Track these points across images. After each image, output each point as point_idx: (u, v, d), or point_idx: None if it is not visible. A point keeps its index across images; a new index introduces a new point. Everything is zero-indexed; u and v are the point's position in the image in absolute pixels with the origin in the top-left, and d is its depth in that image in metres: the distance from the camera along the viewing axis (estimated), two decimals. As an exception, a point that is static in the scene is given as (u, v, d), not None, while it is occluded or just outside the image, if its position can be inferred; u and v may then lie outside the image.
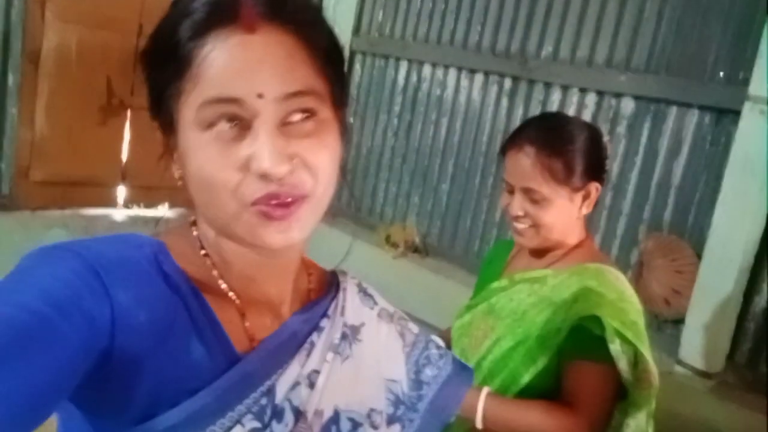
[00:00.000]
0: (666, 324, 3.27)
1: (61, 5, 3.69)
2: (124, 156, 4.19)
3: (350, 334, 0.82)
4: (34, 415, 0.53)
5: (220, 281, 0.73)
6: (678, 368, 2.98)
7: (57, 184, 3.93)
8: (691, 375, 2.94)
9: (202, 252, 0.74)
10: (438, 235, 4.41)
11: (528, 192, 1.48)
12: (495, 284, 1.65)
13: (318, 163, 0.66)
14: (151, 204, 4.26)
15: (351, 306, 0.85)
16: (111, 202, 4.24)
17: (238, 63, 0.63)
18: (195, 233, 0.75)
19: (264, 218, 0.65)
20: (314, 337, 0.77)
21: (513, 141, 1.53)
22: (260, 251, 0.72)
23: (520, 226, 1.52)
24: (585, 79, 3.65)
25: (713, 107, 3.18)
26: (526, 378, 1.46)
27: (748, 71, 2.87)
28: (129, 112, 4.09)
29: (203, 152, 0.64)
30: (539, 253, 1.58)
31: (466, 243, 4.24)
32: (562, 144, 1.48)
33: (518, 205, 1.50)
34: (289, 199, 0.65)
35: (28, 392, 0.52)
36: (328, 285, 0.86)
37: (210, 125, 0.64)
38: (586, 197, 1.52)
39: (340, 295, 0.84)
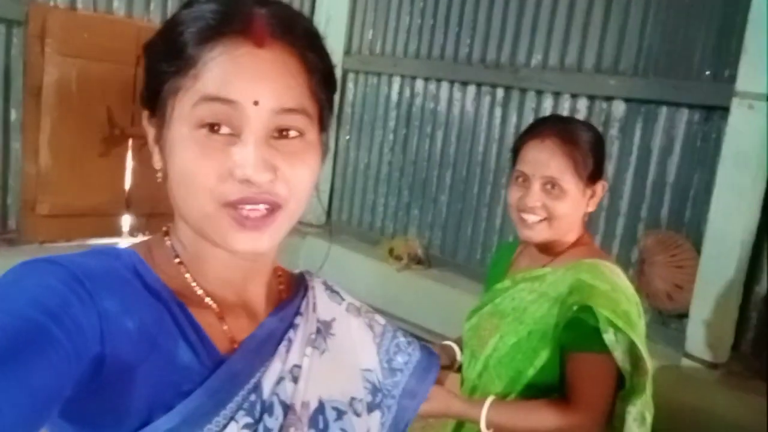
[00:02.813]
0: (670, 318, 3.32)
1: (60, 39, 3.77)
2: (127, 185, 4.24)
3: (323, 329, 0.85)
4: (34, 420, 0.55)
5: (196, 288, 0.75)
6: (685, 361, 3.02)
7: (63, 217, 3.98)
8: (698, 367, 2.98)
9: (177, 260, 0.76)
10: (440, 246, 4.46)
11: (547, 182, 1.51)
12: (499, 285, 1.69)
13: (297, 180, 0.70)
14: (155, 231, 4.29)
15: (321, 302, 0.88)
16: (116, 232, 4.28)
17: (241, 70, 0.66)
18: (168, 243, 0.77)
19: (237, 224, 0.68)
20: (291, 334, 0.80)
21: (533, 133, 1.56)
22: (232, 254, 0.75)
23: (531, 219, 1.53)
24: (575, 84, 3.73)
25: (702, 105, 3.26)
26: (531, 372, 1.50)
27: (734, 68, 2.95)
28: (130, 142, 4.15)
29: (189, 150, 0.67)
30: (543, 249, 1.62)
31: (468, 252, 4.30)
32: (582, 139, 1.53)
33: (536, 196, 1.51)
34: (263, 207, 0.68)
35: (28, 397, 0.53)
36: (297, 285, 0.88)
37: (202, 125, 0.67)
38: (592, 195, 1.56)
39: (310, 293, 0.87)
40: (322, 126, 0.76)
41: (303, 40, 0.71)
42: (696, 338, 3.00)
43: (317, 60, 0.73)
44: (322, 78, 0.73)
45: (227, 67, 0.66)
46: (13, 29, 3.78)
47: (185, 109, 0.67)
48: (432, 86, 4.47)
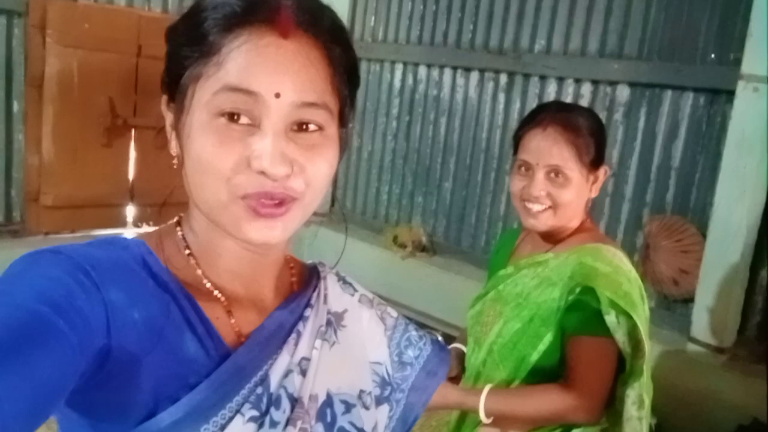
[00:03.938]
0: (676, 303, 3.31)
1: (61, 30, 3.76)
2: (131, 175, 4.24)
3: (334, 321, 0.85)
4: (37, 414, 0.54)
5: (205, 280, 0.74)
6: (690, 345, 3.01)
7: (67, 208, 3.98)
8: (704, 351, 2.97)
9: (187, 252, 0.75)
10: (444, 233, 4.45)
11: (551, 171, 1.50)
12: (502, 272, 1.69)
13: (315, 174, 0.69)
14: (160, 222, 4.30)
15: (332, 294, 0.87)
16: (120, 222, 4.29)
17: (264, 61, 0.66)
18: (179, 233, 0.77)
19: (252, 213, 0.67)
20: (300, 326, 0.79)
21: (534, 121, 1.55)
22: (243, 244, 0.74)
23: (536, 208, 1.53)
24: (579, 69, 3.70)
25: (707, 88, 3.23)
26: (534, 356, 1.50)
27: (739, 51, 2.92)
28: (133, 132, 4.14)
29: (208, 137, 0.66)
30: (546, 235, 1.62)
31: (472, 239, 4.29)
32: (583, 125, 1.52)
33: (540, 184, 1.51)
34: (279, 200, 0.67)
35: (30, 390, 0.52)
36: (309, 276, 0.88)
37: (222, 113, 0.66)
38: (595, 180, 1.56)
39: (321, 284, 0.86)
40: (343, 121, 0.74)
41: (328, 33, 0.70)
42: (701, 323, 3.00)
43: (341, 54, 0.72)
44: (345, 73, 0.73)
45: (250, 57, 0.66)
46: (14, 20, 3.78)
47: (206, 96, 0.67)
48: (435, 73, 4.44)
